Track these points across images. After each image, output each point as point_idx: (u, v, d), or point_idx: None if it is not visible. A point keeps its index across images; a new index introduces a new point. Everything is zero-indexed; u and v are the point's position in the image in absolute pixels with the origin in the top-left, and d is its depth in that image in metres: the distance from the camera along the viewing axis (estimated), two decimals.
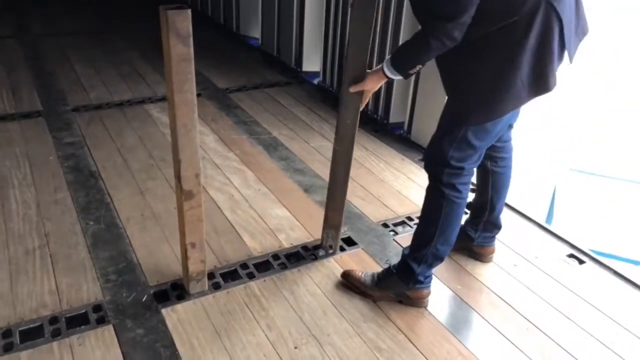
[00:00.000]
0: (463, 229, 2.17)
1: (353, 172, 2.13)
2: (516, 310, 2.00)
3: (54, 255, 2.16)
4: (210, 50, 4.84)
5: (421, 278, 1.93)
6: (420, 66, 1.67)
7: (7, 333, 1.79)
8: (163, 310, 1.91)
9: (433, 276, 2.00)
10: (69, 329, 1.81)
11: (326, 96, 3.98)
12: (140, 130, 3.29)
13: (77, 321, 1.85)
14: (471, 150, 1.75)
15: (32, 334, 1.79)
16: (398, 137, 3.38)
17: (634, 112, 5.64)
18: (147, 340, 1.79)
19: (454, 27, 1.50)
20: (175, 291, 2.01)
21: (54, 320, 1.85)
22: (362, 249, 2.31)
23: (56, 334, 1.79)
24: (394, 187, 2.81)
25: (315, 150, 3.16)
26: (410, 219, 2.53)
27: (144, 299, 1.97)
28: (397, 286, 1.96)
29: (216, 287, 2.04)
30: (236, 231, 2.38)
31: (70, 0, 6.50)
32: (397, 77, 1.75)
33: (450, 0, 1.49)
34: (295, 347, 1.79)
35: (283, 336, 1.83)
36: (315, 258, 2.23)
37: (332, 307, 1.97)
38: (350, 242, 2.35)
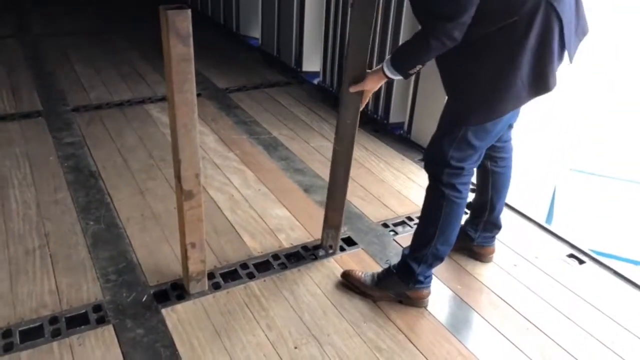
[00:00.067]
0: (463, 229, 2.17)
1: (353, 172, 2.13)
2: (516, 310, 2.00)
3: (54, 255, 2.16)
4: (210, 50, 4.84)
5: (421, 278, 1.93)
6: (421, 66, 1.67)
7: (7, 333, 1.79)
8: (163, 310, 1.91)
9: (433, 276, 2.00)
10: (69, 329, 1.81)
11: (326, 96, 3.98)
12: (140, 130, 3.29)
13: (77, 321, 1.85)
14: (471, 150, 1.75)
15: (32, 334, 1.79)
16: (398, 137, 3.38)
17: (634, 112, 5.64)
18: (147, 340, 1.79)
19: (454, 27, 1.50)
20: (175, 291, 2.01)
21: (54, 320, 1.85)
22: (362, 249, 2.31)
23: (56, 334, 1.79)
24: (394, 187, 2.81)
25: (315, 150, 3.16)
26: (410, 219, 2.53)
27: (144, 299, 1.97)
28: (397, 286, 1.96)
29: (216, 287, 2.04)
30: (236, 231, 2.38)
31: (70, 0, 6.51)
32: (397, 77, 1.75)
33: (450, 0, 1.49)
34: (295, 347, 1.79)
35: (283, 336, 1.83)
36: (315, 258, 2.23)
37: (332, 307, 1.97)
38: (350, 242, 2.35)
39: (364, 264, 2.21)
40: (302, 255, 2.24)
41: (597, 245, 3.08)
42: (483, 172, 2.08)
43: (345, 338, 1.84)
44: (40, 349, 1.74)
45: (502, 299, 2.05)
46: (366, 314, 1.95)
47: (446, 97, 1.78)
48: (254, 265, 2.17)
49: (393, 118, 3.51)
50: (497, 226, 2.18)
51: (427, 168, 1.87)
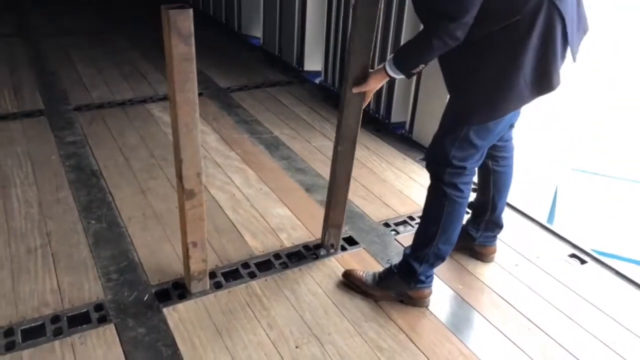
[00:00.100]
0: (464, 228, 2.17)
1: (355, 172, 2.13)
2: (517, 310, 2.00)
3: (56, 254, 2.17)
4: (212, 49, 4.84)
5: (422, 278, 1.93)
6: (423, 65, 1.67)
7: (9, 332, 1.79)
8: (164, 310, 1.92)
9: (434, 276, 2.00)
10: (71, 328, 1.82)
11: (328, 95, 3.97)
12: (142, 129, 3.29)
13: (79, 320, 1.86)
14: (473, 149, 1.75)
15: (33, 333, 1.79)
16: (400, 137, 3.38)
17: (634, 109, 5.64)
18: (149, 339, 1.80)
19: (457, 27, 1.50)
20: (177, 290, 2.01)
21: (55, 319, 1.85)
22: (364, 248, 2.31)
23: (58, 333, 1.79)
24: (395, 186, 2.81)
25: (317, 149, 3.16)
26: (411, 218, 2.53)
27: (145, 298, 1.97)
28: (398, 286, 1.96)
29: (217, 286, 2.04)
30: (237, 230, 2.38)
31: (70, 0, 6.51)
32: (399, 77, 1.75)
33: (453, 0, 1.49)
34: (297, 347, 1.79)
35: (284, 335, 1.83)
36: (317, 257, 2.23)
37: (333, 306, 1.97)
38: (351, 241, 2.34)
39: (365, 263, 2.21)
40: (303, 255, 2.24)
41: (599, 245, 3.07)
42: (484, 172, 2.07)
43: (346, 337, 1.84)
44: (42, 347, 1.74)
45: (503, 298, 2.05)
46: (367, 313, 1.95)
47: (448, 96, 1.78)
48: (256, 264, 2.17)
49: (395, 117, 3.51)
50: (498, 226, 2.18)
51: (429, 167, 1.86)
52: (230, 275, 2.11)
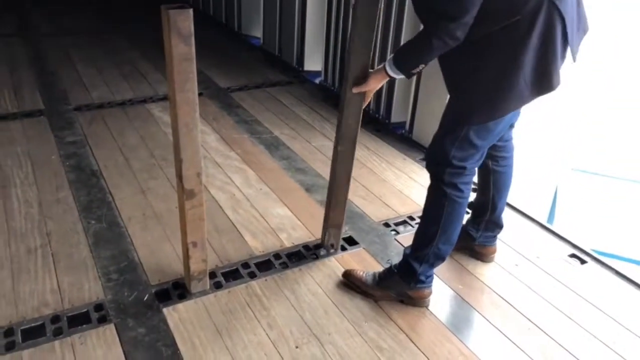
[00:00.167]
0: (464, 228, 2.17)
1: (355, 172, 2.13)
2: (517, 310, 2.00)
3: (56, 254, 2.17)
4: (212, 49, 4.84)
5: (422, 278, 1.93)
6: (423, 65, 1.67)
7: (9, 332, 1.79)
8: (164, 310, 1.92)
9: (434, 276, 2.00)
10: (71, 328, 1.82)
11: (328, 95, 3.97)
12: (142, 129, 3.29)
13: (79, 320, 1.86)
14: (473, 149, 1.75)
15: (33, 333, 1.79)
16: (400, 137, 3.38)
17: (634, 109, 5.64)
18: (149, 339, 1.80)
19: (457, 27, 1.50)
20: (177, 290, 2.01)
21: (55, 319, 1.85)
22: (364, 248, 2.31)
23: (58, 333, 1.79)
24: (395, 186, 2.81)
25: (317, 149, 3.16)
26: (411, 218, 2.53)
27: (145, 298, 1.97)
28: (398, 286, 1.96)
29: (217, 286, 2.04)
30: (237, 230, 2.38)
31: (70, 0, 6.51)
32: (399, 77, 1.75)
33: (453, 0, 1.49)
34: (297, 347, 1.79)
35: (284, 335, 1.83)
36: (317, 257, 2.23)
37: (333, 306, 1.97)
38: (351, 241, 2.34)
39: (365, 263, 2.21)
40: (303, 255, 2.24)
41: (599, 245, 3.07)
42: (484, 172, 2.07)
43: (346, 337, 1.84)
44: (42, 347, 1.74)
45: (503, 298, 2.05)
46: (367, 313, 1.95)
47: (448, 96, 1.78)
48: (255, 264, 2.17)
49: (395, 117, 3.51)
50: (498, 226, 2.18)
51: (429, 167, 1.86)
52: (230, 275, 2.11)
